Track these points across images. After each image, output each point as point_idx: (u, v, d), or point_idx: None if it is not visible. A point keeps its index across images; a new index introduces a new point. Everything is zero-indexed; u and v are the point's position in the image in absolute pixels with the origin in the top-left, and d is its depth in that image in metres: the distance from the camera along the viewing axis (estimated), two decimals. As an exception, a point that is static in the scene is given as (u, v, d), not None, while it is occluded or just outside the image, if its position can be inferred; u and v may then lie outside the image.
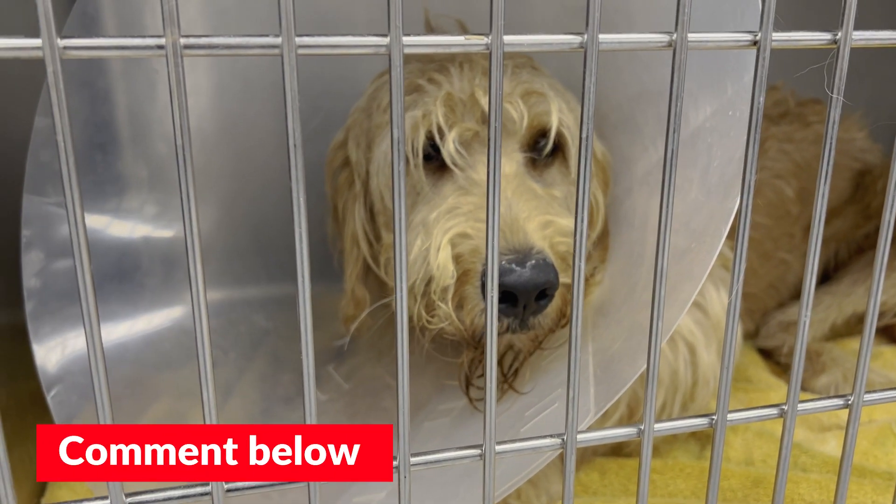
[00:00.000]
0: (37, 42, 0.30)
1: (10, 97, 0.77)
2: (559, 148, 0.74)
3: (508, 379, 0.69)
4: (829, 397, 0.47)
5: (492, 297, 0.37)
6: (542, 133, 0.72)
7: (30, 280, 0.74)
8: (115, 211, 0.83)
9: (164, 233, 0.87)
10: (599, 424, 0.69)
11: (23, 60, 0.30)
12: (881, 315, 1.25)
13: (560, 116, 0.70)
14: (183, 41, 0.31)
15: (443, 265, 0.62)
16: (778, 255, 1.24)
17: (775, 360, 1.19)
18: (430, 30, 0.80)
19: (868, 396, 0.47)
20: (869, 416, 0.97)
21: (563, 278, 0.63)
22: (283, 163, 0.34)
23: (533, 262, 0.59)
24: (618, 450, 0.92)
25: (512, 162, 0.69)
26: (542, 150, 0.72)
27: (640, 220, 0.71)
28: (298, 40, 0.32)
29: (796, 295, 1.33)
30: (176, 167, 0.34)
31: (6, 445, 0.39)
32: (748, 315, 1.24)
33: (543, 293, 0.61)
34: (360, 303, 0.80)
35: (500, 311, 0.61)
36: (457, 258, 0.63)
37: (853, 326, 1.26)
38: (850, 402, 0.46)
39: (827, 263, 1.34)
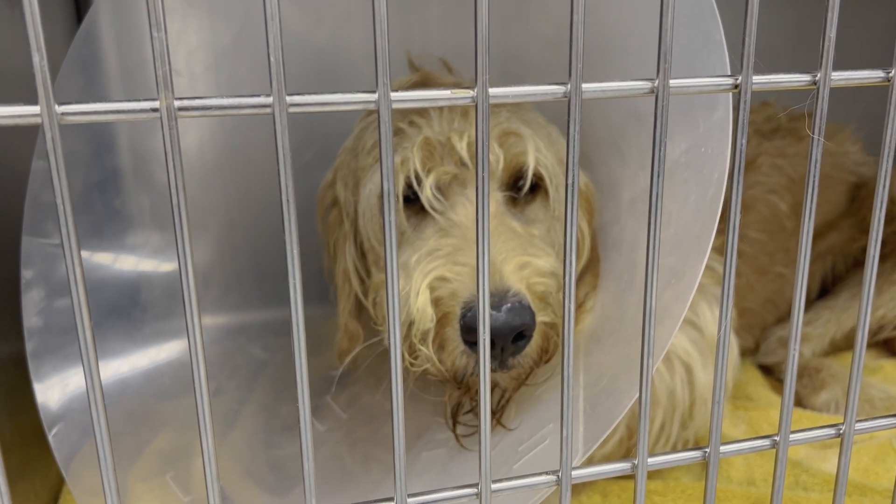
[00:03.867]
0: (35, 109, 0.31)
1: (9, 138, 0.79)
2: (540, 184, 0.75)
3: (496, 415, 0.70)
4: (822, 427, 0.47)
5: (484, 339, 0.38)
6: (521, 172, 0.73)
7: (30, 319, 0.75)
8: (118, 248, 0.84)
9: (165, 266, 0.88)
10: (599, 445, 0.70)
11: (21, 127, 0.30)
12: (881, 328, 1.25)
13: (537, 156, 0.72)
14: (177, 103, 0.32)
15: (422, 309, 0.63)
16: (774, 269, 1.25)
17: (776, 376, 1.20)
18: (414, 69, 0.81)
19: (860, 425, 0.47)
20: (870, 433, 0.98)
21: (542, 317, 0.64)
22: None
23: (508, 305, 0.60)
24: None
25: (491, 202, 0.70)
26: (522, 188, 0.73)
27: (629, 246, 0.71)
28: (289, 99, 0.33)
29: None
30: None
31: (8, 480, 0.40)
32: (747, 330, 1.25)
33: (521, 335, 0.62)
34: (353, 337, 0.81)
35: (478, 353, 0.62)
36: (436, 302, 0.64)
37: (853, 340, 1.26)
38: (841, 432, 0.47)
39: (824, 277, 1.34)
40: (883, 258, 1.28)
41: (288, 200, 0.33)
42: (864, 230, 1.31)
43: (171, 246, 0.88)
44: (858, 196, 1.35)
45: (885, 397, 1.08)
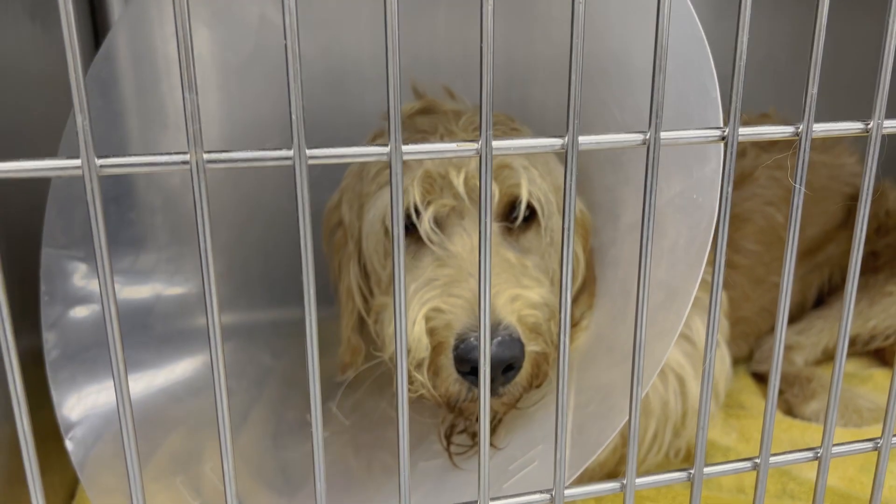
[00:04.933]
0: (76, 163, 0.34)
1: (31, 148, 0.81)
2: (535, 214, 0.78)
3: (480, 433, 0.73)
4: (801, 450, 0.50)
5: (484, 370, 0.41)
6: (516, 202, 0.76)
7: (49, 328, 0.78)
8: (133, 260, 0.88)
9: (179, 278, 0.91)
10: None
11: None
12: (872, 338, 1.28)
13: (530, 189, 0.74)
14: (206, 157, 0.35)
15: (418, 338, 0.66)
16: (770, 279, 1.27)
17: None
18: (419, 96, 0.84)
19: (836, 449, 0.50)
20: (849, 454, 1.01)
21: (533, 346, 0.67)
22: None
23: (499, 338, 0.64)
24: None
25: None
26: (517, 218, 0.76)
27: (625, 267, 0.74)
28: (309, 152, 0.36)
29: (790, 318, 1.36)
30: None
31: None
32: (742, 339, 1.27)
33: (510, 366, 0.65)
34: (355, 351, 0.85)
35: (470, 381, 0.66)
36: (431, 332, 0.67)
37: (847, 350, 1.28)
38: (819, 455, 0.50)
39: (821, 288, 1.37)
40: (876, 270, 1.30)
41: (306, 245, 0.36)
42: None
43: (185, 257, 0.91)
44: (855, 207, 1.37)
45: (873, 407, 1.10)
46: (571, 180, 0.38)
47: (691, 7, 0.58)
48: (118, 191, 0.85)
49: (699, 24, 0.58)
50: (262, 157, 0.35)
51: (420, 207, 0.73)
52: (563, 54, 0.85)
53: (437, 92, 0.86)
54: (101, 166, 0.34)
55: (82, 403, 0.79)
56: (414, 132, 0.80)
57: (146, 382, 0.90)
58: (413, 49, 0.91)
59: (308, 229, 0.37)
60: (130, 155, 0.34)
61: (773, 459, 0.48)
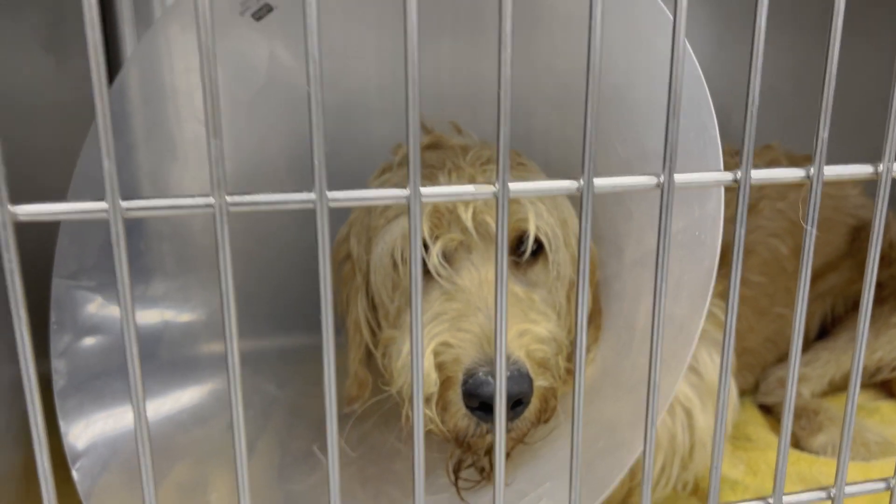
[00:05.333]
0: (102, 205, 0.34)
1: (43, 180, 0.82)
2: (542, 248, 0.78)
3: (494, 472, 0.73)
4: (815, 490, 0.50)
5: (500, 410, 0.41)
6: (523, 236, 0.76)
7: (58, 359, 0.78)
8: (143, 290, 0.88)
9: (184, 317, 0.91)
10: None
11: (90, 220, 0.34)
12: (879, 370, 1.28)
13: (538, 223, 0.75)
14: (229, 199, 0.35)
15: (426, 373, 0.66)
16: (774, 310, 1.28)
17: (775, 416, 1.22)
18: (426, 131, 0.85)
19: (850, 489, 0.50)
20: (865, 474, 1.00)
21: (541, 381, 0.68)
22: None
23: (508, 373, 0.63)
24: (625, 502, 0.95)
25: (494, 268, 0.72)
26: (524, 253, 0.77)
27: (629, 301, 0.74)
28: (330, 195, 0.36)
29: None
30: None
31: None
32: (748, 370, 1.27)
33: (519, 401, 0.65)
34: (362, 384, 0.85)
35: (479, 416, 0.66)
36: (439, 366, 0.67)
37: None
38: (832, 495, 0.50)
39: (824, 318, 1.37)
40: (881, 301, 1.31)
41: (326, 286, 0.36)
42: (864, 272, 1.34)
43: (192, 285, 0.91)
44: (858, 238, 1.38)
45: (880, 441, 1.10)
46: (587, 224, 0.39)
47: (689, 48, 0.59)
48: (128, 221, 0.86)
49: (697, 64, 0.59)
50: (285, 199, 0.36)
51: (428, 242, 0.74)
52: (566, 85, 0.87)
53: (443, 126, 0.87)
54: (127, 209, 0.34)
55: (89, 432, 0.79)
56: (422, 167, 0.80)
57: (153, 410, 0.89)
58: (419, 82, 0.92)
59: (328, 270, 0.37)
60: (154, 197, 0.35)
61: (786, 500, 0.48)
